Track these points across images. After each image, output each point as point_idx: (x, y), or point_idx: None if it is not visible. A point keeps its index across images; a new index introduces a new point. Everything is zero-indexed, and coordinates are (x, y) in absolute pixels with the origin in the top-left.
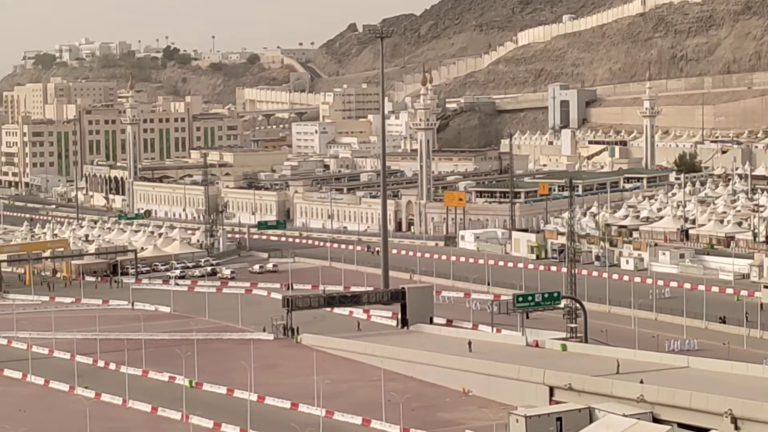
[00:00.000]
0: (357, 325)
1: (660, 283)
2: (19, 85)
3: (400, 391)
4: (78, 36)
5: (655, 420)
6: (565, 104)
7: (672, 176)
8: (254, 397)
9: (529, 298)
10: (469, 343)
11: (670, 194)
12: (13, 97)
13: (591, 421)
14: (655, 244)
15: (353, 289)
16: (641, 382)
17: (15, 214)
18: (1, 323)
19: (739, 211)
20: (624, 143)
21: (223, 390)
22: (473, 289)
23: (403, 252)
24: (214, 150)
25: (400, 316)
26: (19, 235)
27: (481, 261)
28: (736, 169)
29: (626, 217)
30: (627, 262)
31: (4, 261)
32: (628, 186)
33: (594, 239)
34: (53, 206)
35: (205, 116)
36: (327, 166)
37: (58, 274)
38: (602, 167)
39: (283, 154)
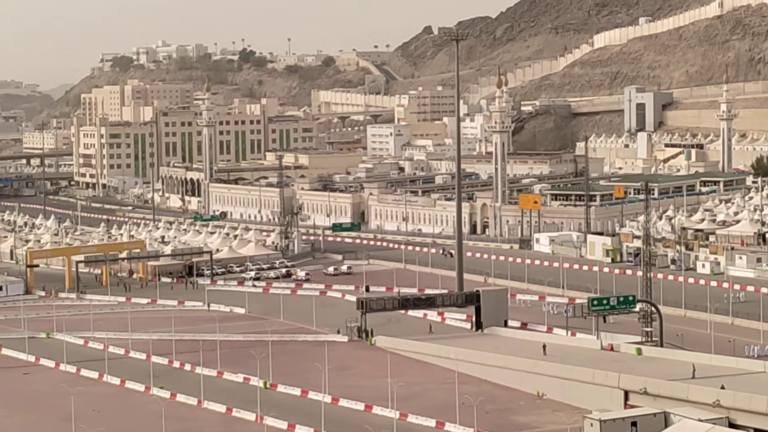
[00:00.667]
0: (429, 327)
1: (736, 287)
2: (97, 87)
3: (474, 394)
4: (155, 38)
5: (732, 425)
6: (641, 107)
7: (749, 180)
8: (328, 399)
9: (604, 301)
10: (544, 347)
11: (747, 198)
12: (91, 99)
13: (666, 426)
14: (732, 248)
15: (427, 291)
16: (722, 387)
17: (92, 215)
18: (78, 323)
19: None
20: (700, 146)
21: (297, 391)
22: (548, 292)
23: (478, 255)
24: (290, 152)
25: (474, 319)
26: (96, 236)
27: (555, 264)
28: None
29: (702, 220)
30: (703, 266)
31: (81, 262)
32: (704, 189)
33: (670, 243)
34: (130, 208)
35: (281, 118)
36: (402, 169)
37: (135, 275)
38: (678, 170)
39: (358, 156)
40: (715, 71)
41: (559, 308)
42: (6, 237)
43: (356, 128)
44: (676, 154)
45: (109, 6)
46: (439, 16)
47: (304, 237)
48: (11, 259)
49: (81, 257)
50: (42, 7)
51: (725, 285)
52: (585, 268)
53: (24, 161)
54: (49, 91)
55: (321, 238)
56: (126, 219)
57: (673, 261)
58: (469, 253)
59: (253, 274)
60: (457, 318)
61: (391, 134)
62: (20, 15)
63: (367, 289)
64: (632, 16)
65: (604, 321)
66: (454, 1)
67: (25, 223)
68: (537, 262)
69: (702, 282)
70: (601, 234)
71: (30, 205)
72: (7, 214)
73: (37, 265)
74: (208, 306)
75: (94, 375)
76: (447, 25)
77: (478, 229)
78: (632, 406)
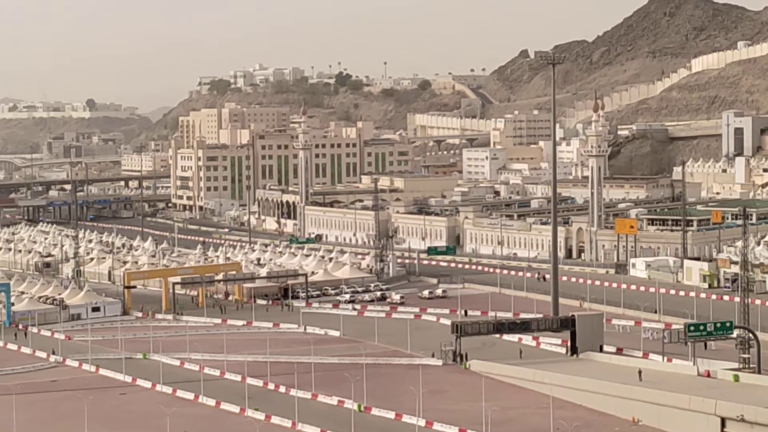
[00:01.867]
0: (519, 352)
1: None
2: (195, 110)
3: (569, 419)
4: (252, 62)
5: None
6: (739, 131)
7: None
8: (422, 423)
9: (701, 327)
10: (639, 372)
11: None
12: (189, 122)
13: None
14: None
15: (522, 315)
16: None
17: (189, 237)
18: (175, 344)
19: None
20: None
21: (391, 415)
22: (643, 318)
23: (573, 279)
24: (385, 175)
25: (569, 344)
26: (192, 258)
27: (652, 289)
28: None
29: None
30: None
31: (178, 283)
32: None
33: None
34: (226, 230)
35: (376, 142)
36: (497, 193)
37: (231, 297)
38: None
39: (454, 180)
40: None
41: (657, 334)
42: (104, 258)
43: (452, 152)
44: None
45: (207, 30)
46: (536, 40)
47: (399, 260)
48: (109, 280)
49: (178, 279)
50: (141, 31)
51: None
52: (681, 293)
53: (122, 183)
54: (148, 114)
55: (416, 262)
56: (222, 241)
57: None
58: (564, 278)
59: (347, 296)
60: (553, 343)
61: (486, 158)
62: (119, 39)
63: (466, 314)
64: (730, 40)
65: (705, 347)
66: (551, 25)
67: (123, 245)
68: (633, 287)
69: None
70: (698, 259)
71: (128, 227)
72: (106, 236)
73: (134, 287)
74: (305, 329)
75: (190, 396)
76: (543, 48)
77: (574, 254)
78: None
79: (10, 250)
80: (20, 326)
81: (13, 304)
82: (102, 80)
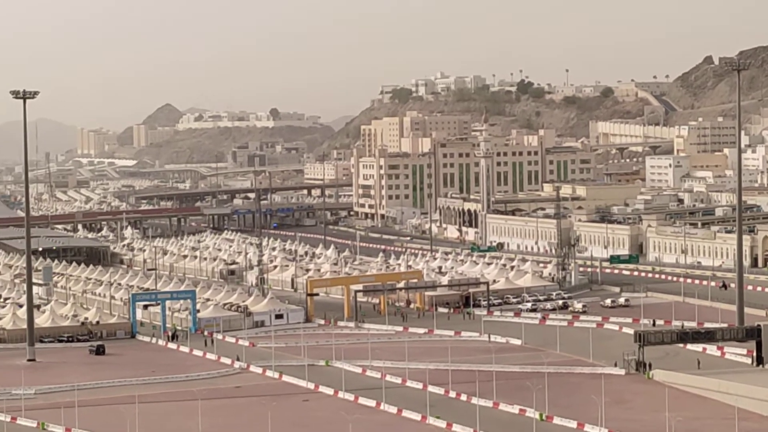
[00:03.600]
0: (697, 363)
1: None
2: (377, 119)
3: (756, 431)
4: (434, 70)
5: None
6: None
7: None
8: None
9: None
10: None
11: None
12: (371, 131)
13: None
14: None
15: (707, 325)
16: None
17: (370, 245)
18: (356, 352)
19: None
20: None
21: (573, 424)
22: None
23: (759, 288)
24: (567, 183)
25: (755, 354)
26: (374, 266)
27: None
28: None
29: None
30: None
31: (359, 291)
32: None
33: None
34: (408, 238)
35: (558, 149)
36: (681, 200)
37: (412, 305)
38: None
39: (637, 187)
40: None
41: None
42: (287, 266)
43: (634, 159)
44: None
45: (389, 39)
46: (720, 45)
47: (581, 269)
48: (292, 287)
49: (359, 287)
50: (325, 42)
51: None
52: None
53: (305, 192)
54: (330, 123)
55: (598, 270)
56: (404, 249)
57: None
58: (749, 287)
59: (529, 305)
60: (738, 353)
61: (670, 165)
62: (303, 50)
63: (654, 323)
64: None
65: None
66: (736, 30)
67: (306, 253)
68: None
69: None
70: None
71: (310, 235)
72: (289, 244)
73: (317, 294)
74: (489, 337)
75: (372, 403)
76: (728, 54)
77: (759, 263)
78: None
79: (195, 257)
80: (205, 333)
81: (198, 311)
82: (285, 90)
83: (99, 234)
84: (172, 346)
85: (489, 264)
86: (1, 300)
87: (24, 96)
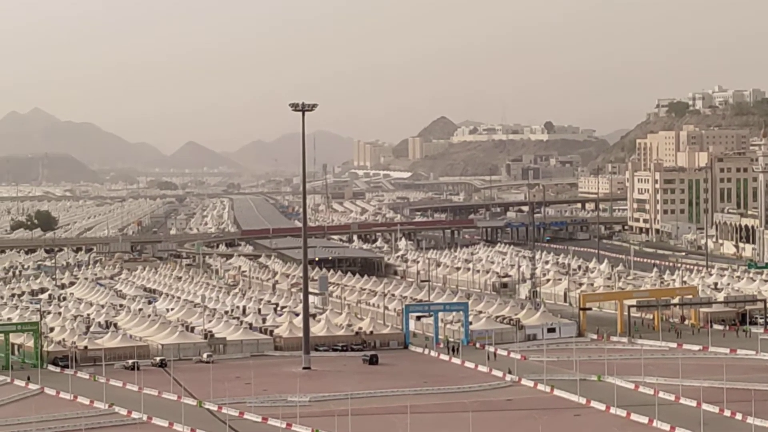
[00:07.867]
0: None
1: None
2: (652, 132)
3: None
4: (711, 83)
5: None
6: None
7: None
8: None
9: None
10: None
11: None
12: (646, 145)
13: None
14: None
15: None
16: None
17: (644, 260)
18: (629, 367)
19: None
20: None
21: None
22: None
23: None
24: None
25: None
26: (648, 282)
27: None
28: None
29: None
30: None
31: (633, 306)
32: None
33: None
34: (682, 253)
35: None
36: None
37: (686, 321)
38: None
39: None
40: None
41: None
42: (560, 280)
43: None
44: None
45: (665, 51)
46: None
47: None
48: (564, 301)
49: (633, 302)
50: (597, 55)
51: None
52: None
53: (579, 205)
54: (605, 136)
55: None
56: (678, 265)
57: None
58: None
59: None
60: None
61: None
62: (576, 63)
63: None
64: None
65: None
66: None
67: (579, 267)
68: None
69: None
70: None
71: (584, 249)
72: (562, 257)
73: (589, 308)
74: None
75: (644, 420)
76: None
77: None
78: None
79: (468, 269)
80: (477, 345)
81: (470, 323)
82: (560, 103)
83: (373, 245)
84: (444, 357)
85: (766, 281)
86: (279, 308)
87: (303, 109)
